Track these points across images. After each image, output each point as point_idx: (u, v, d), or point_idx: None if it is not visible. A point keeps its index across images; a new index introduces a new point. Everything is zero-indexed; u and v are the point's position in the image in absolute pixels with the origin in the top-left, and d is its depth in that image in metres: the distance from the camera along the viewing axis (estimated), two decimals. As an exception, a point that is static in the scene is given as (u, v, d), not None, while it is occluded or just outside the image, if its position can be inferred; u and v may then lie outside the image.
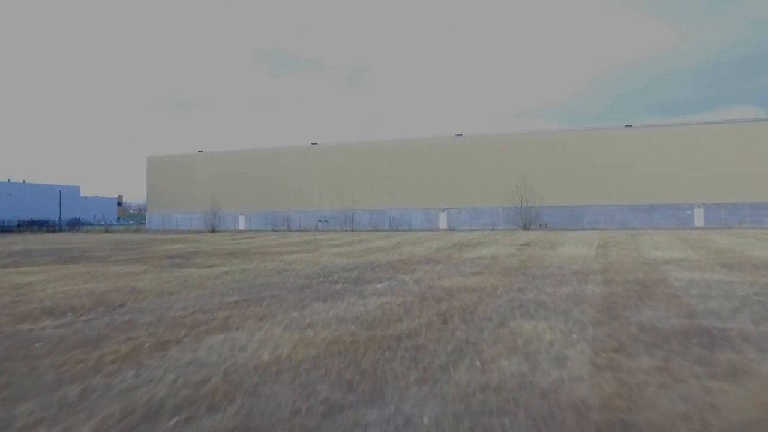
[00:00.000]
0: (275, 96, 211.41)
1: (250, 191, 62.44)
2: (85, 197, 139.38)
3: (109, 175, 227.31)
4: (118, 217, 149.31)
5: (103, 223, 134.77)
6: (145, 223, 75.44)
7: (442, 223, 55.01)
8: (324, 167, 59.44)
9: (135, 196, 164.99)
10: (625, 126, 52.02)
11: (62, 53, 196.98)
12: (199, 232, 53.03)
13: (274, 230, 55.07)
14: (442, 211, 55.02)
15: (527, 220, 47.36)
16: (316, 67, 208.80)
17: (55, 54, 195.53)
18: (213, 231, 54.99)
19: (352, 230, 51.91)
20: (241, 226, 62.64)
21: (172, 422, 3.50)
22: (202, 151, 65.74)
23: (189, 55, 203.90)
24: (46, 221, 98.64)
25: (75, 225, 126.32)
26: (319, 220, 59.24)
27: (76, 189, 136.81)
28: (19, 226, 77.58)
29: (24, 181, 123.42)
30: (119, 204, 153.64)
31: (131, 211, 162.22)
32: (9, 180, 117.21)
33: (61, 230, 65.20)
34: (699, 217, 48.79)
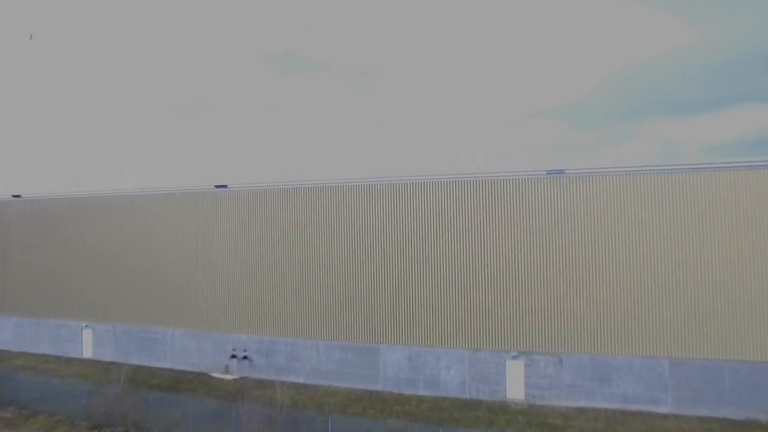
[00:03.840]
0: (285, 98, 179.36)
1: (103, 282, 30.43)
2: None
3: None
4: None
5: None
6: None
7: (514, 387, 22.50)
8: (242, 239, 27.20)
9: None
10: None
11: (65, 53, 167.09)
12: None
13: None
14: (514, 357, 22.50)
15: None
16: (325, 68, 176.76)
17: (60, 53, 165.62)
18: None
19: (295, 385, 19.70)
20: (87, 350, 30.64)
21: None
22: (19, 195, 33.59)
23: (191, 58, 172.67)
24: None
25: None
26: (233, 356, 27.02)
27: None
28: None
29: None
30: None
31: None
32: None
33: None
34: None
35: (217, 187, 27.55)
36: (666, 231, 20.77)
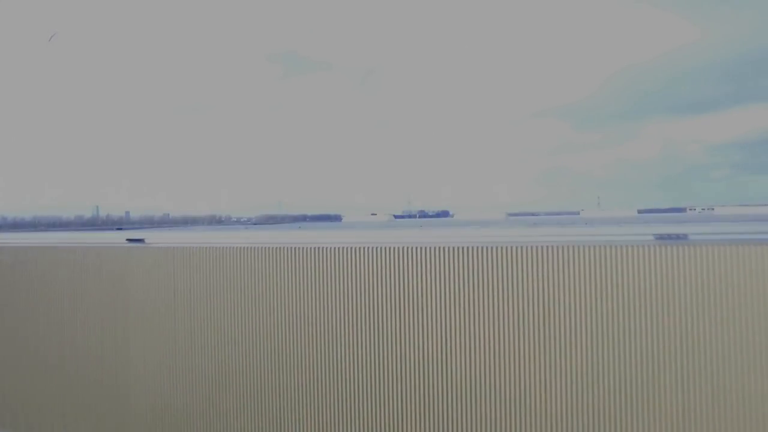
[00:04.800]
0: (286, 97, 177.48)
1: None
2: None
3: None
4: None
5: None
6: None
7: None
8: (167, 319, 17.96)
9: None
10: None
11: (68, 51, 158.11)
12: None
13: None
14: None
15: None
16: (327, 67, 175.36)
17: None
18: None
19: None
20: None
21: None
22: None
23: (195, 58, 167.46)
24: None
25: None
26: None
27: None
28: None
29: None
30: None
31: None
32: None
33: None
34: None
35: (129, 241, 18.36)
36: None
